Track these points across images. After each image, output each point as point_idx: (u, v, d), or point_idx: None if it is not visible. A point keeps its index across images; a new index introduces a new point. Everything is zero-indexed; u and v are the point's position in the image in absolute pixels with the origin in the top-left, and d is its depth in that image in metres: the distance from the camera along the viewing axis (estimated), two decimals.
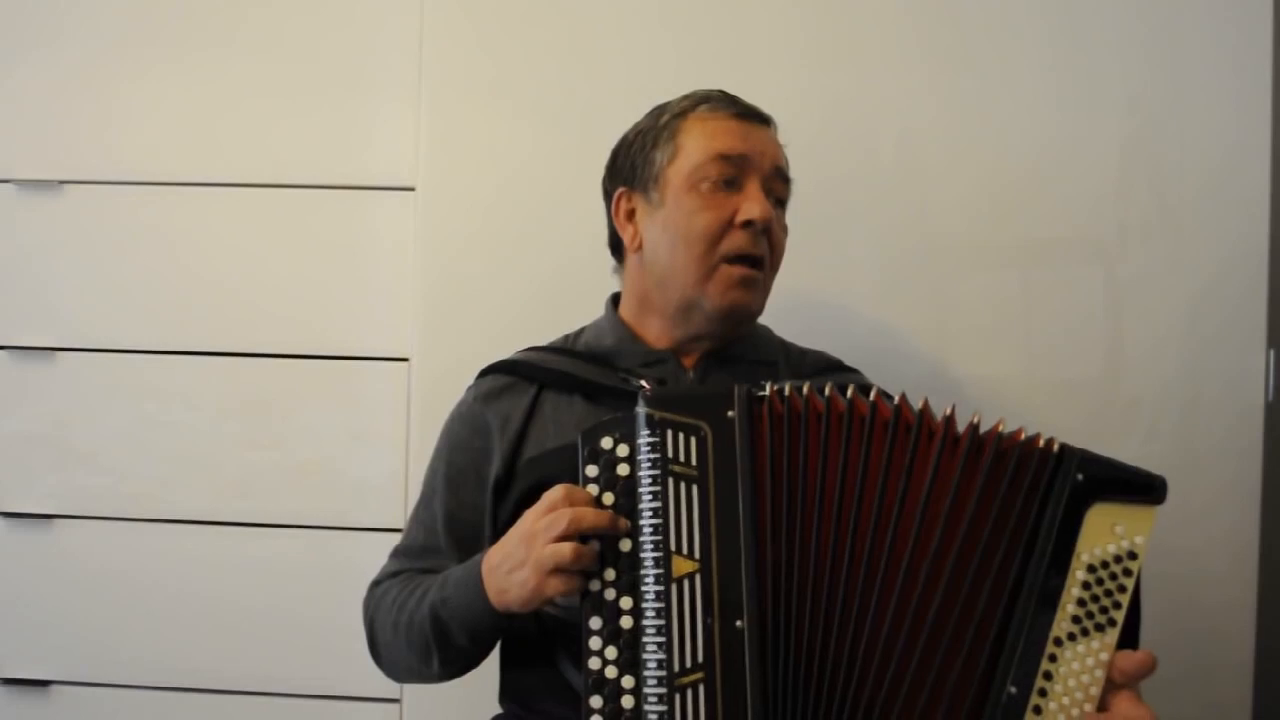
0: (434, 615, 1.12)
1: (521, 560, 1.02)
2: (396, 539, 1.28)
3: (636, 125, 1.26)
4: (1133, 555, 0.98)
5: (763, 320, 1.32)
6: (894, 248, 1.53)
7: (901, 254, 1.53)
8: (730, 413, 1.00)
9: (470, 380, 1.28)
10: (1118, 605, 0.98)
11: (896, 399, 1.03)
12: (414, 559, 1.23)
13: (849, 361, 1.32)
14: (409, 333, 1.60)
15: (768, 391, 1.01)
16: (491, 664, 1.22)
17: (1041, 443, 1.00)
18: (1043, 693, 0.96)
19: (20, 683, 1.66)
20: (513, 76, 1.58)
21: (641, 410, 1.00)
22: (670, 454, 0.99)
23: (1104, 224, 1.52)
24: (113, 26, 1.67)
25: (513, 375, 1.24)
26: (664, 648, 0.97)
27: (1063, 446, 1.00)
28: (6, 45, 1.69)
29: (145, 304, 1.66)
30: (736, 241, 1.17)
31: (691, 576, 0.98)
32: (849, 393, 1.02)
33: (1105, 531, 0.98)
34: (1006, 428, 1.01)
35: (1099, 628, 0.97)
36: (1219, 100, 1.50)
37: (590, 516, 0.98)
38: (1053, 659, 0.97)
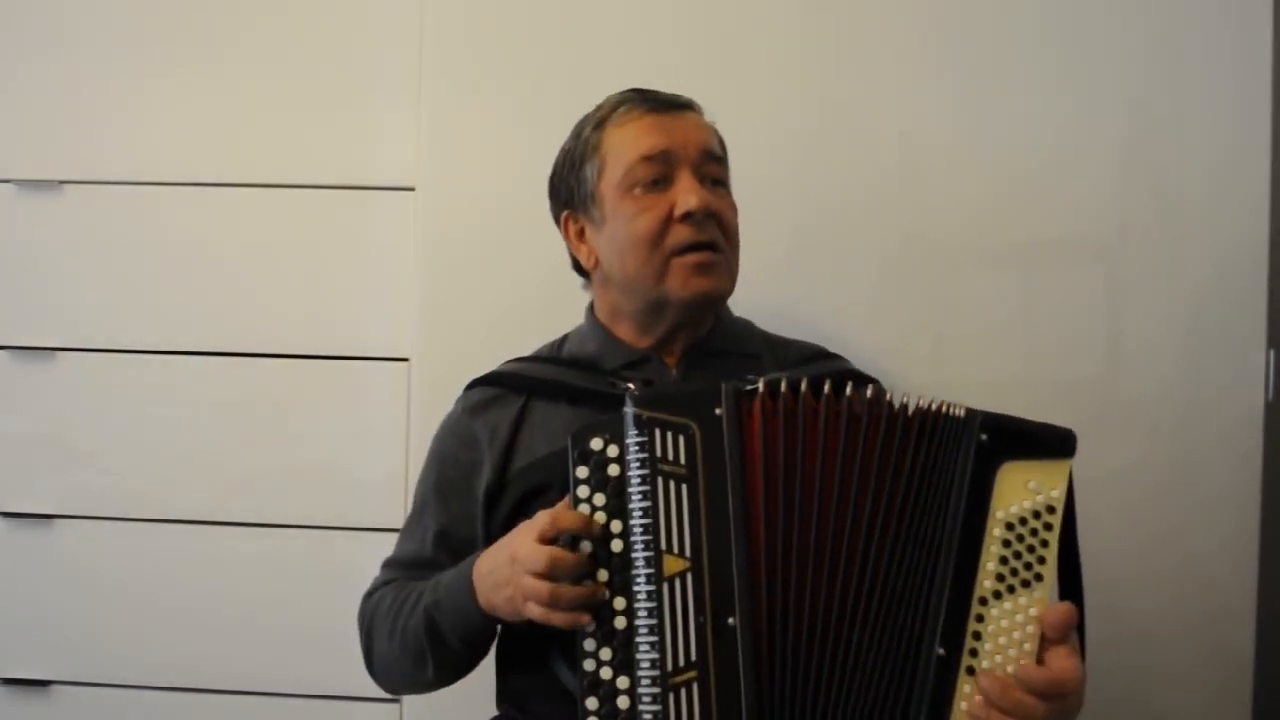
0: (428, 618, 1.12)
1: (507, 578, 1.03)
2: (396, 539, 1.28)
3: (563, 146, 1.27)
4: (1050, 509, 0.99)
5: (760, 320, 1.32)
6: (894, 248, 1.53)
7: (901, 254, 1.53)
8: (718, 410, 1.01)
9: (469, 380, 1.28)
10: (1042, 560, 0.98)
11: (881, 387, 1.04)
12: (406, 570, 1.23)
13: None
14: (409, 333, 1.60)
15: (758, 387, 1.01)
16: (489, 666, 1.22)
17: (946, 409, 1.01)
18: (974, 653, 0.97)
19: (20, 683, 1.66)
20: (513, 76, 1.58)
21: (629, 410, 1.00)
22: (659, 453, 0.99)
23: (1104, 224, 1.51)
24: (113, 27, 1.67)
25: (499, 386, 1.24)
26: (657, 647, 0.97)
27: (967, 410, 1.01)
28: (7, 45, 1.69)
29: (145, 304, 1.66)
30: (680, 235, 1.17)
31: (683, 575, 0.98)
32: (847, 389, 1.02)
33: (1019, 489, 0.99)
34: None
35: (1025, 584, 0.98)
36: (1219, 100, 1.49)
37: (567, 560, 0.99)
38: (980, 619, 0.98)
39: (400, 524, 1.31)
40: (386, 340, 1.63)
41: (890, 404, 1.02)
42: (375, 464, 1.62)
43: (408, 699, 1.58)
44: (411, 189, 1.61)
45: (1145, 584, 1.48)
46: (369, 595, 1.24)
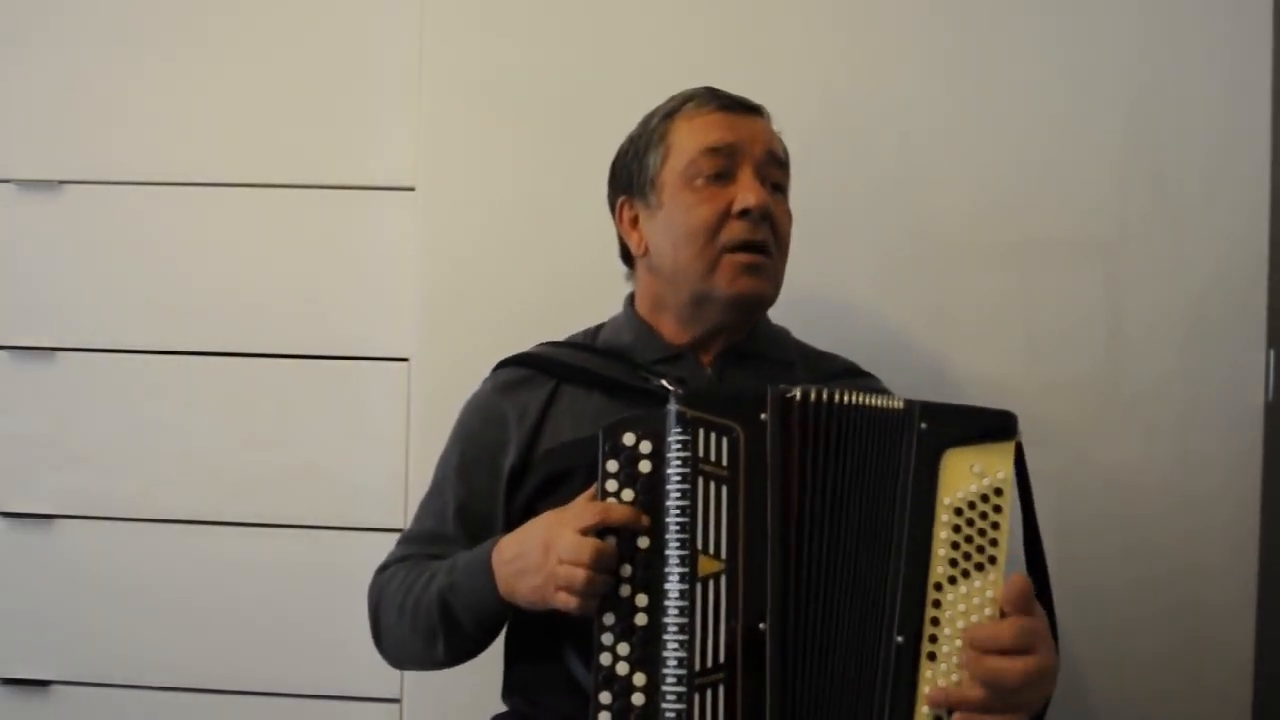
0: (442, 600, 1.12)
1: (537, 565, 1.03)
2: (396, 539, 1.28)
3: (630, 134, 1.27)
4: (998, 491, 0.99)
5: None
6: (894, 247, 1.53)
7: (901, 253, 1.53)
8: (763, 415, 1.01)
9: (470, 380, 1.28)
10: (994, 543, 0.99)
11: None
12: (423, 545, 1.23)
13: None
14: (409, 333, 1.60)
15: (808, 396, 1.01)
16: (494, 661, 1.22)
17: (885, 403, 1.02)
18: (934, 639, 0.97)
19: (20, 683, 1.66)
20: (513, 77, 1.58)
21: (674, 408, 1.01)
22: (701, 453, 0.99)
23: (1104, 223, 1.52)
24: (113, 26, 1.67)
25: (530, 368, 1.24)
26: (686, 646, 0.97)
27: (905, 401, 1.02)
28: (6, 45, 1.69)
29: (145, 304, 1.66)
30: (736, 231, 1.17)
31: (716, 576, 0.98)
32: (875, 400, 1.03)
33: (964, 474, 1.00)
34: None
35: (979, 567, 0.98)
36: (1219, 100, 1.49)
37: (610, 552, 0.99)
38: (937, 604, 0.98)
39: (400, 524, 1.31)
40: (386, 340, 1.63)
41: (840, 404, 1.02)
42: (375, 464, 1.61)
43: (408, 699, 1.58)
44: (411, 189, 1.61)
45: (1145, 583, 1.48)
46: (382, 569, 1.24)
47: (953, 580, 0.98)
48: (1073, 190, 1.51)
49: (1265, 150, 1.49)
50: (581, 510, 1.02)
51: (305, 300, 1.64)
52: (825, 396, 1.02)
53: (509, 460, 1.20)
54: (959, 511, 0.99)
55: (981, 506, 0.99)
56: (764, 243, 1.18)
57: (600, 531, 1.00)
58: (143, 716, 1.64)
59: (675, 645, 0.97)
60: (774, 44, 1.55)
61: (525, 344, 1.31)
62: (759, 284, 1.19)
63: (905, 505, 1.00)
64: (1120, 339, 1.51)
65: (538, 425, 1.20)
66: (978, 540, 0.99)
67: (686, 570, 0.98)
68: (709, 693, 0.96)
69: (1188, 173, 1.50)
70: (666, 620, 0.98)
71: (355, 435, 1.63)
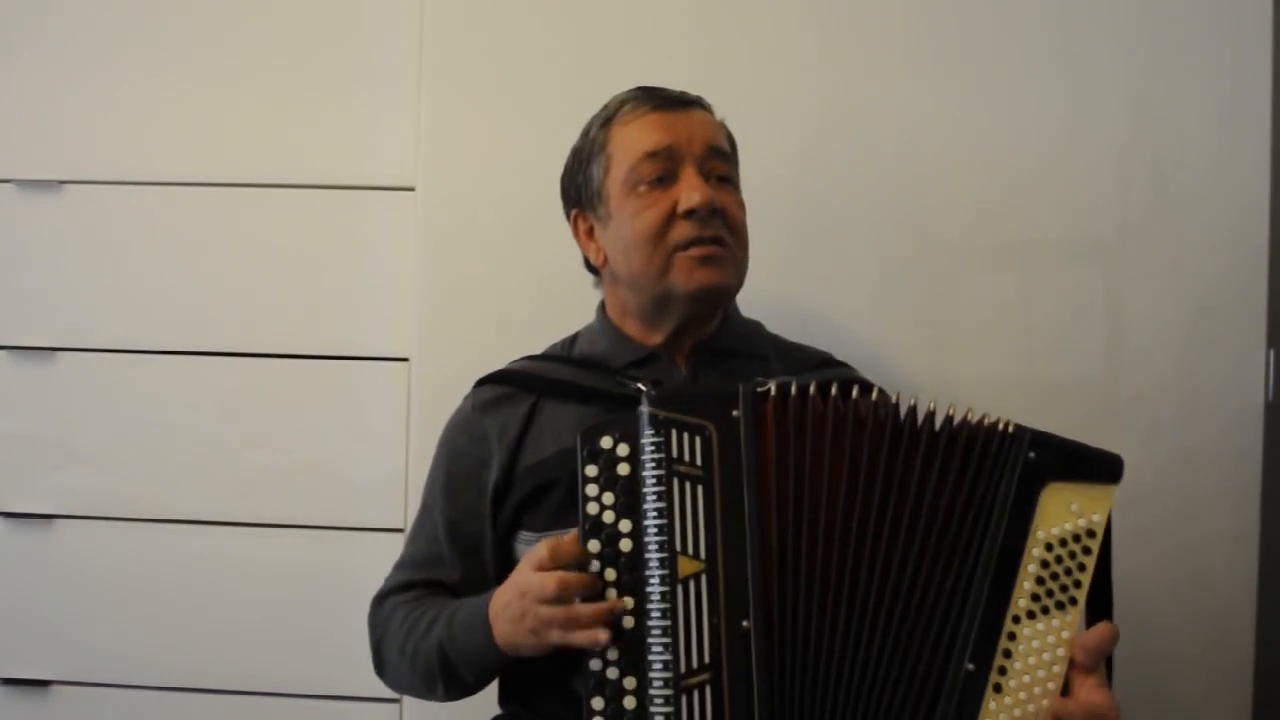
0: (441, 653, 1.13)
1: (521, 614, 1.03)
2: (396, 539, 1.29)
3: (573, 146, 1.27)
4: (1091, 533, 0.99)
5: (761, 319, 1.32)
6: (893, 248, 1.53)
7: (901, 254, 1.53)
8: (735, 412, 1.01)
9: (470, 381, 1.28)
10: (1079, 584, 0.98)
11: (888, 395, 1.03)
12: (419, 569, 1.23)
13: (849, 361, 1.32)
14: (409, 333, 1.60)
15: (771, 389, 1.01)
16: None
17: (995, 424, 1.01)
18: (1003, 671, 0.96)
19: (20, 683, 1.66)
20: (513, 76, 1.58)
21: (645, 410, 1.00)
22: (675, 454, 0.99)
23: (1104, 224, 1.51)
24: (113, 26, 1.67)
25: (509, 385, 1.24)
26: (670, 648, 0.97)
27: (1016, 426, 1.01)
28: (6, 45, 1.69)
29: (145, 304, 1.66)
30: (683, 231, 1.17)
31: (697, 577, 0.98)
32: (854, 392, 1.02)
33: (1062, 510, 0.99)
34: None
35: (1060, 606, 0.98)
36: (1219, 100, 1.49)
37: (575, 581, 0.99)
38: (1012, 637, 0.97)
39: (400, 524, 1.31)
40: (386, 340, 1.63)
41: (931, 414, 1.01)
42: (375, 464, 1.61)
43: (407, 699, 1.58)
44: (411, 189, 1.61)
45: (1144, 585, 1.48)
46: (381, 599, 1.24)
47: (1031, 615, 0.97)
48: (1073, 190, 1.51)
49: (1265, 150, 1.49)
50: (539, 547, 1.01)
51: (305, 300, 1.64)
52: (821, 392, 1.01)
53: (492, 478, 1.19)
54: (1049, 547, 0.98)
55: (1072, 545, 0.98)
56: (716, 237, 1.17)
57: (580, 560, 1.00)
58: (143, 716, 1.64)
59: (660, 648, 0.97)
60: (774, 44, 1.55)
61: (525, 344, 1.31)
62: (716, 275, 1.18)
63: (999, 529, 0.98)
64: (1120, 339, 1.51)
65: (518, 441, 1.20)
66: (1063, 579, 0.98)
67: (666, 572, 0.98)
68: (695, 694, 0.96)
69: (1188, 173, 1.50)
70: (650, 623, 0.98)
71: (355, 435, 1.63)
